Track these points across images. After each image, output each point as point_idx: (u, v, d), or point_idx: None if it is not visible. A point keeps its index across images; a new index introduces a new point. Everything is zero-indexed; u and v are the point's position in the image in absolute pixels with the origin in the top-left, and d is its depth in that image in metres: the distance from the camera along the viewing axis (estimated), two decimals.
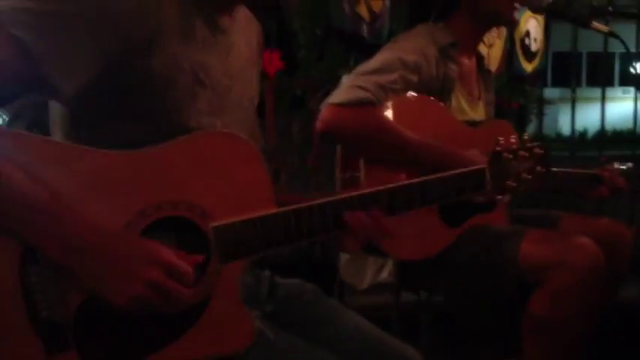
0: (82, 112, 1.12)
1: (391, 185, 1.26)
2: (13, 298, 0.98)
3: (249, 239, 1.12)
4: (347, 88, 1.78)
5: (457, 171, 1.37)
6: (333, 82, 2.04)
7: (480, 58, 2.18)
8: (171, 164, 1.09)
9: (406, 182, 1.28)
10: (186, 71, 1.15)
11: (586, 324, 1.91)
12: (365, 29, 2.38)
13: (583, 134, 12.17)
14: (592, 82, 13.85)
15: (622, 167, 2.25)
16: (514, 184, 1.45)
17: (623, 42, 2.01)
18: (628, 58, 14.86)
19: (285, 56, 2.27)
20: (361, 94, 1.74)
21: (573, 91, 4.09)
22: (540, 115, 4.11)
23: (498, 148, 1.43)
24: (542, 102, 4.25)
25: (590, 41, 4.24)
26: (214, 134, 1.17)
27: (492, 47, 3.20)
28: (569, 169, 2.24)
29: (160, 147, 1.09)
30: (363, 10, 2.34)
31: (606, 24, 2.06)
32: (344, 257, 2.09)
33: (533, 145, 1.48)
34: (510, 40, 3.38)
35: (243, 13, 1.35)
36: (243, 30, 1.34)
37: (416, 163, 1.74)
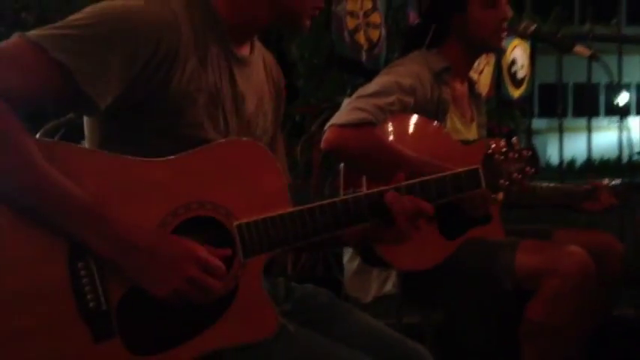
0: (111, 128, 1.25)
1: (394, 185, 1.37)
2: (63, 291, 1.09)
3: (269, 235, 1.24)
4: (348, 111, 1.90)
5: (454, 171, 1.48)
6: (332, 109, 2.16)
7: (471, 83, 2.30)
8: (197, 169, 1.21)
9: (408, 182, 1.39)
10: (203, 91, 1.27)
11: (580, 331, 2.00)
12: (364, 56, 2.52)
13: (571, 163, 12.38)
14: (578, 113, 14.12)
15: (611, 183, 2.37)
16: (507, 183, 1.56)
17: (605, 66, 2.14)
18: (612, 89, 15.22)
19: (285, 85, 2.40)
20: (361, 115, 1.87)
21: (560, 121, 4.20)
22: (529, 144, 4.22)
23: (490, 151, 1.55)
24: (530, 132, 4.39)
25: (575, 72, 4.40)
26: (236, 142, 1.30)
27: (482, 74, 3.36)
28: (561, 184, 2.36)
29: (186, 154, 1.21)
30: (361, 39, 2.48)
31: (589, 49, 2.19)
32: (348, 271, 2.18)
33: (521, 147, 1.60)
34: (498, 68, 3.55)
35: (266, 55, 1.49)
36: (264, 66, 1.47)
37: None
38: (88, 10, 1.17)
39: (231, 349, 1.22)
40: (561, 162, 4.38)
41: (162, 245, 1.14)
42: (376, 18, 2.59)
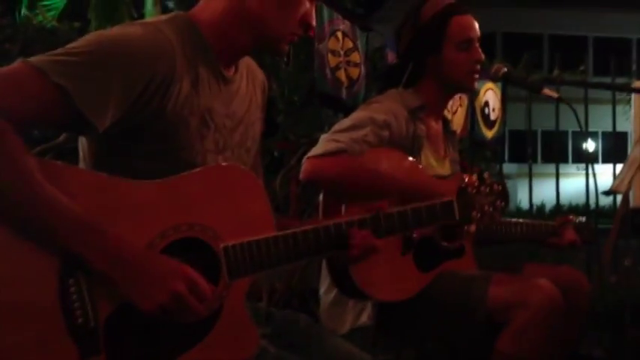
0: (105, 150, 1.30)
1: (374, 214, 1.45)
2: (53, 307, 1.12)
3: (254, 258, 1.28)
4: (324, 143, 1.97)
5: (430, 202, 1.55)
6: (310, 144, 2.22)
7: (445, 121, 2.39)
8: (186, 192, 1.26)
9: (387, 212, 1.48)
10: (195, 114, 1.33)
11: None
12: (344, 93, 2.61)
13: (541, 208, 12.61)
14: (547, 159, 14.44)
15: (576, 221, 2.47)
16: (478, 215, 1.64)
17: (572, 108, 2.22)
18: (579, 136, 15.61)
19: (264, 120, 2.47)
20: (337, 145, 1.93)
21: (530, 166, 4.31)
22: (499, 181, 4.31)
23: (463, 185, 1.63)
24: (501, 176, 4.49)
25: (543, 120, 4.54)
26: (224, 167, 1.35)
27: (455, 114, 3.47)
28: (529, 220, 2.45)
29: (176, 177, 1.26)
30: (342, 76, 2.57)
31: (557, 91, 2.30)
32: (324, 303, 2.21)
33: (492, 181, 1.68)
34: (471, 109, 3.67)
35: (247, 63, 1.54)
36: (248, 78, 1.53)
37: (392, 196, 1.92)
38: (87, 37, 1.23)
39: None
40: (531, 206, 4.50)
41: (152, 261, 1.18)
42: (356, 57, 2.69)
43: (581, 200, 4.40)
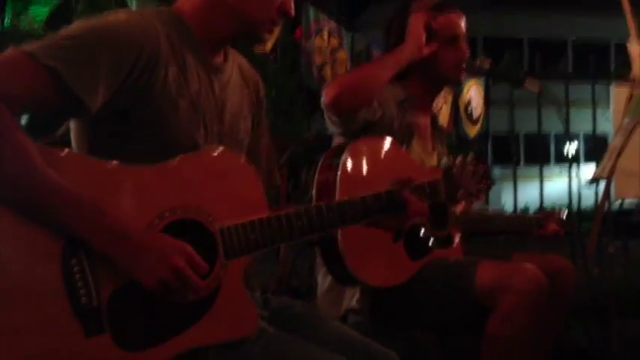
0: (97, 137, 1.34)
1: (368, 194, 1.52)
2: (57, 287, 1.15)
3: (249, 239, 1.33)
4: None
5: (421, 181, 1.60)
6: (297, 144, 2.25)
7: (433, 117, 2.45)
8: (182, 176, 1.30)
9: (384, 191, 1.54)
10: (184, 97, 1.37)
11: (537, 346, 2.10)
12: None
13: (525, 210, 12.73)
14: (529, 161, 14.55)
15: (560, 215, 2.56)
16: (464, 195, 1.69)
17: (553, 101, 2.30)
18: (561, 139, 15.75)
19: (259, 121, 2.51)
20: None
21: (514, 170, 4.39)
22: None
23: (447, 166, 1.68)
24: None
25: (525, 123, 4.62)
26: (218, 151, 1.39)
27: (440, 111, 3.54)
28: (514, 214, 2.52)
29: (172, 161, 1.30)
30: (327, 74, 2.63)
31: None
32: (321, 288, 2.24)
33: (476, 163, 1.74)
34: (455, 107, 3.74)
35: (241, 61, 1.59)
36: (242, 75, 1.58)
37: None
38: (76, 24, 1.28)
39: (215, 347, 1.29)
40: (515, 209, 4.56)
41: (151, 238, 1.22)
42: (342, 55, 2.75)
43: (565, 202, 4.47)
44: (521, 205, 10.43)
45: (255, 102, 1.63)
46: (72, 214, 1.16)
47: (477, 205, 2.66)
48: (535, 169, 4.79)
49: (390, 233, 2.06)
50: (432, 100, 2.41)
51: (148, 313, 1.22)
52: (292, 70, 2.66)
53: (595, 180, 2.91)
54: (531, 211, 12.62)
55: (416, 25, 2.14)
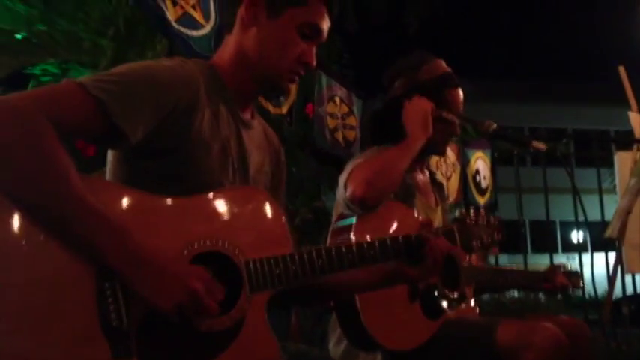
0: (132, 171, 1.42)
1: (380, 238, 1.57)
2: (89, 308, 1.19)
3: (274, 273, 1.37)
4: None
5: (433, 231, 1.64)
6: (309, 212, 2.31)
7: (431, 173, 2.50)
8: (210, 209, 1.38)
9: (393, 237, 1.59)
10: (217, 141, 1.46)
11: None
12: (342, 153, 2.76)
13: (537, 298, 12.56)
14: (537, 249, 14.45)
15: (567, 269, 2.59)
16: (478, 245, 1.72)
17: (561, 157, 2.36)
18: (567, 226, 15.70)
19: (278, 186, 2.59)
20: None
21: (525, 258, 4.37)
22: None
23: (460, 216, 1.72)
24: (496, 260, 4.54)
25: (532, 210, 4.66)
26: (245, 188, 1.48)
27: (450, 180, 3.61)
28: (523, 269, 2.55)
29: (201, 195, 1.38)
30: (340, 137, 2.73)
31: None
32: (334, 355, 2.23)
33: (488, 216, 1.78)
34: (464, 177, 3.81)
35: (265, 126, 1.71)
36: (266, 137, 1.69)
37: None
38: (126, 65, 1.39)
39: None
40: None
41: (169, 262, 1.26)
42: (352, 121, 2.86)
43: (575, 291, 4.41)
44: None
45: (276, 164, 1.72)
46: (100, 235, 1.20)
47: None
48: (543, 257, 4.76)
49: (406, 294, 2.08)
50: (427, 160, 2.45)
51: (175, 341, 1.26)
52: (305, 137, 2.77)
53: (608, 240, 2.94)
54: (542, 299, 12.48)
55: (425, 111, 2.20)
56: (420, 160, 2.38)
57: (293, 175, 3.23)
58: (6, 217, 1.17)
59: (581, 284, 2.62)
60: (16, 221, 1.17)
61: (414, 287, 2.09)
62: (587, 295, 4.17)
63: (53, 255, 1.18)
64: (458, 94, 2.32)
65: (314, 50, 1.56)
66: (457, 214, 1.78)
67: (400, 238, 1.57)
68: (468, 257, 1.93)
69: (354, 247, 1.50)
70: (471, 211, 1.81)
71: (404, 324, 2.07)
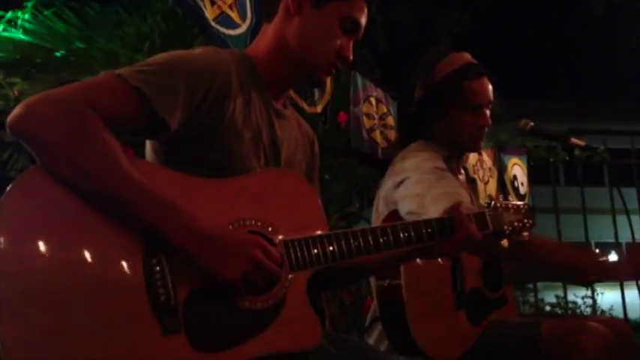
0: (170, 160, 1.44)
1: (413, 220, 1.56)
2: (138, 284, 1.20)
3: (312, 253, 1.39)
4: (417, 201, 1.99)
5: (466, 213, 1.61)
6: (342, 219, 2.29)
7: (466, 171, 2.47)
8: (248, 191, 1.40)
9: (426, 219, 1.58)
10: (249, 129, 1.49)
11: None
12: (380, 153, 2.74)
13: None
14: None
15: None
16: (510, 229, 1.70)
17: (603, 158, 2.30)
18: (604, 248, 15.33)
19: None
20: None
21: (564, 284, 4.26)
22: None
23: (492, 202, 1.71)
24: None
25: (567, 231, 4.54)
26: (282, 171, 1.51)
27: (487, 184, 3.56)
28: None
29: (238, 177, 1.41)
30: (377, 137, 2.72)
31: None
32: None
33: (518, 203, 1.77)
34: (502, 182, 3.76)
35: (298, 118, 1.73)
36: (300, 127, 1.71)
37: None
38: (160, 55, 1.43)
39: (278, 358, 1.31)
40: None
41: (227, 234, 1.29)
42: (390, 121, 2.85)
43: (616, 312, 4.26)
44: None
45: (310, 154, 1.74)
46: (154, 213, 1.23)
47: None
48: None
49: (453, 303, 2.05)
50: (461, 156, 2.41)
51: (220, 317, 1.27)
52: (339, 130, 2.79)
53: None
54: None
55: None
56: (458, 157, 2.37)
57: (327, 183, 3.23)
58: (53, 203, 1.20)
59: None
60: (63, 206, 1.20)
61: (461, 295, 2.07)
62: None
63: (99, 236, 1.21)
64: (481, 84, 2.26)
65: (351, 45, 1.58)
66: (487, 200, 1.76)
67: (433, 220, 1.56)
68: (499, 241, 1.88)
69: (388, 229, 1.50)
70: (501, 197, 1.79)
71: (451, 333, 2.07)
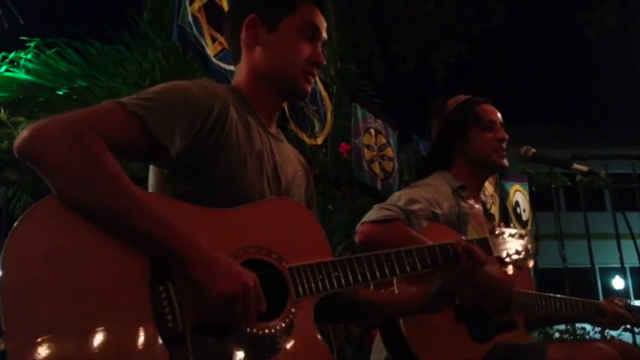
0: (174, 187, 1.46)
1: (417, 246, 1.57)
2: (146, 310, 1.21)
3: (317, 279, 1.40)
4: (376, 211, 2.08)
5: (469, 240, 1.63)
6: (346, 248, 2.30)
7: (484, 204, 2.49)
8: (253, 219, 1.42)
9: (434, 244, 1.60)
10: (252, 154, 1.52)
11: None
12: (379, 184, 2.76)
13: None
14: (576, 296, 13.97)
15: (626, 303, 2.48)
16: (512, 255, 1.71)
17: (605, 181, 2.32)
18: (607, 273, 15.21)
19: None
20: (388, 212, 2.05)
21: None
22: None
23: (493, 229, 1.72)
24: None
25: (571, 257, 4.55)
26: (284, 200, 1.53)
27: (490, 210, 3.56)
28: (577, 298, 2.46)
29: (242, 207, 1.43)
30: (376, 169, 2.74)
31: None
32: None
33: (520, 230, 1.78)
34: (504, 209, 3.77)
35: (292, 147, 1.75)
36: (295, 155, 1.75)
37: None
38: (160, 85, 1.46)
39: None
40: None
41: (227, 261, 1.30)
42: (389, 152, 2.87)
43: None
44: None
45: (308, 180, 1.77)
46: (163, 235, 1.25)
47: None
48: None
49: (453, 315, 2.05)
50: (480, 187, 2.46)
51: (227, 347, 1.27)
52: (339, 160, 2.81)
53: None
54: None
55: None
56: (479, 183, 2.42)
57: (330, 213, 3.25)
58: (60, 226, 1.21)
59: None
60: (68, 230, 1.22)
61: (459, 307, 2.07)
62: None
63: (106, 261, 1.22)
64: (488, 107, 2.39)
65: (320, 49, 1.64)
66: (490, 227, 1.79)
67: (436, 246, 1.58)
68: (503, 269, 1.90)
69: (392, 255, 1.52)
70: (502, 224, 1.80)
71: (450, 344, 2.04)
